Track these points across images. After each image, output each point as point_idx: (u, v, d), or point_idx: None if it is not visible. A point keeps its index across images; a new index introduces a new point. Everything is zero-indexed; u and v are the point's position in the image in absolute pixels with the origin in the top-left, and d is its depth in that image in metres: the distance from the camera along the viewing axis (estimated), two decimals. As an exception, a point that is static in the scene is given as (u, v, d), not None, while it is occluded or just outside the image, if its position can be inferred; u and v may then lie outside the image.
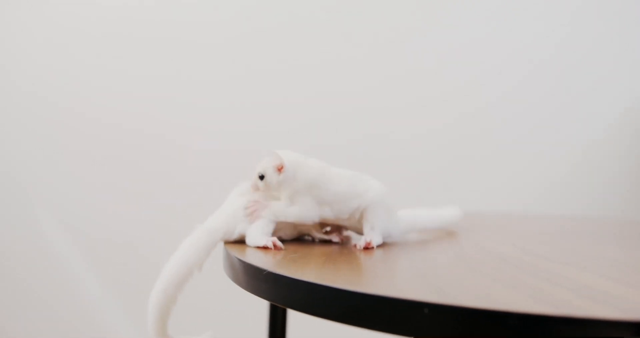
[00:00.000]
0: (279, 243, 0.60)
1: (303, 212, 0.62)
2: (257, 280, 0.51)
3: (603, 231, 0.90)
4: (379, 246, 0.62)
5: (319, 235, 0.66)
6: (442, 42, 1.41)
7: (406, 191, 1.39)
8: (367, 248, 0.61)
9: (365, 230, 0.63)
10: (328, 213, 0.62)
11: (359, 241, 0.62)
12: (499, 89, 1.42)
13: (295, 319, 1.03)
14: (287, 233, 0.65)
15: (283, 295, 0.49)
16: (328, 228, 0.67)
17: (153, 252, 1.38)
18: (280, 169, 0.61)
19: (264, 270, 0.50)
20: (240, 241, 0.62)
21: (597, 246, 0.73)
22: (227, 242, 0.62)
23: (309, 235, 0.67)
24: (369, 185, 0.64)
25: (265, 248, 0.59)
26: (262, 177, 0.62)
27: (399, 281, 0.47)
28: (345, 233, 0.68)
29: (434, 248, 0.66)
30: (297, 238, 0.66)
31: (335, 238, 0.66)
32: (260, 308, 0.98)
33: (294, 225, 0.64)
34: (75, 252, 1.37)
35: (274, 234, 0.62)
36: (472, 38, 1.42)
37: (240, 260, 0.55)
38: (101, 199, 1.38)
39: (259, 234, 0.60)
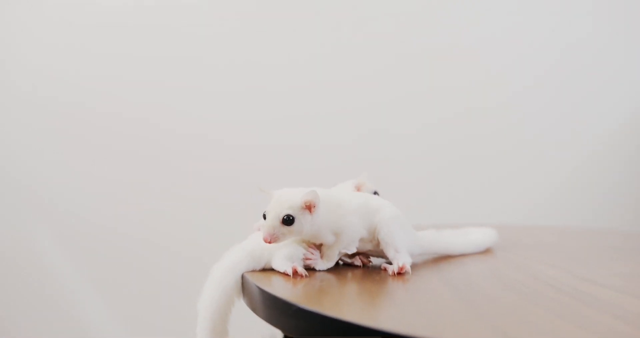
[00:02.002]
0: (301, 270, 0.53)
1: (348, 242, 0.56)
2: (286, 316, 0.45)
3: (631, 246, 0.85)
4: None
5: (344, 258, 0.60)
6: (446, 44, 1.35)
7: (403, 195, 1.34)
8: (401, 273, 0.55)
9: (390, 253, 0.57)
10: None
11: (390, 266, 0.56)
12: (505, 92, 1.37)
13: None
14: None
15: (317, 334, 0.42)
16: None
17: (155, 251, 1.33)
18: (310, 207, 0.52)
19: (293, 306, 0.44)
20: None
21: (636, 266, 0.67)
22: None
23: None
24: (381, 203, 0.59)
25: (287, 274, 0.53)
26: (289, 220, 0.52)
27: (451, 320, 0.41)
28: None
29: (472, 271, 0.60)
30: None
31: (357, 261, 0.60)
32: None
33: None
34: (75, 251, 1.31)
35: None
36: (477, 40, 1.36)
37: (262, 290, 0.48)
38: (100, 199, 1.31)
39: (283, 259, 0.54)
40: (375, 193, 0.64)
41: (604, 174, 1.37)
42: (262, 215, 0.54)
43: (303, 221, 0.52)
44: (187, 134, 1.32)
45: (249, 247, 0.55)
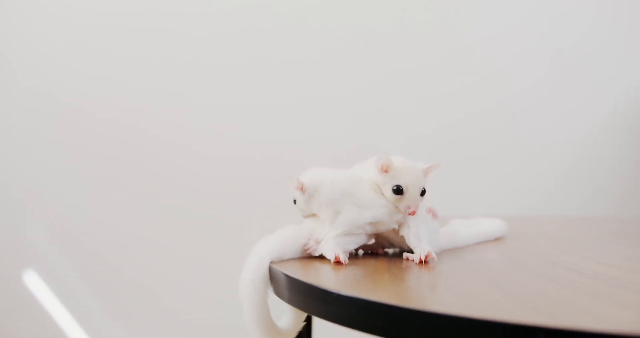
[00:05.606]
0: (342, 258, 0.55)
1: (346, 221, 0.58)
2: (325, 304, 0.46)
3: (629, 231, 0.88)
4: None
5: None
6: (443, 43, 1.39)
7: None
8: (426, 260, 0.56)
9: (413, 242, 0.58)
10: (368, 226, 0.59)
11: (413, 255, 0.57)
12: (501, 92, 1.41)
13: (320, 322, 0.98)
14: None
15: (360, 319, 0.44)
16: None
17: (152, 254, 1.33)
18: (302, 189, 0.60)
19: (333, 293, 0.46)
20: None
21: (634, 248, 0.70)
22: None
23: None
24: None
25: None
26: (295, 202, 0.62)
27: (491, 300, 0.42)
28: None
29: (492, 257, 0.62)
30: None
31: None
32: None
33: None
34: (69, 251, 1.32)
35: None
36: (472, 41, 1.40)
37: (297, 280, 0.50)
38: (95, 202, 1.32)
39: (329, 246, 0.57)
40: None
41: (597, 167, 1.42)
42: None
43: (299, 201, 0.61)
44: (194, 130, 1.34)
45: (284, 234, 0.60)
